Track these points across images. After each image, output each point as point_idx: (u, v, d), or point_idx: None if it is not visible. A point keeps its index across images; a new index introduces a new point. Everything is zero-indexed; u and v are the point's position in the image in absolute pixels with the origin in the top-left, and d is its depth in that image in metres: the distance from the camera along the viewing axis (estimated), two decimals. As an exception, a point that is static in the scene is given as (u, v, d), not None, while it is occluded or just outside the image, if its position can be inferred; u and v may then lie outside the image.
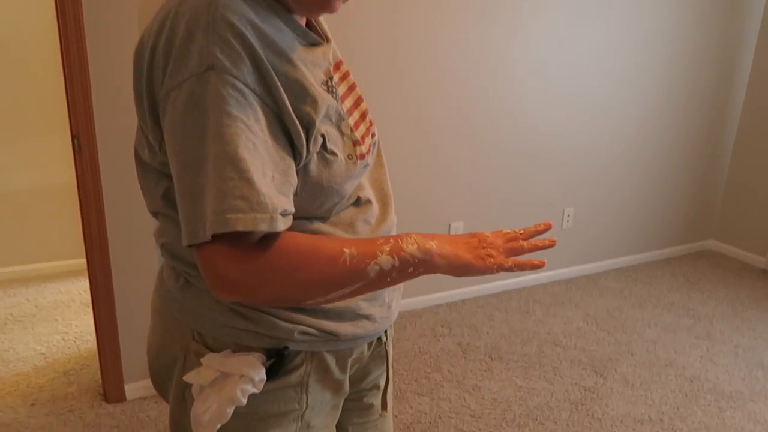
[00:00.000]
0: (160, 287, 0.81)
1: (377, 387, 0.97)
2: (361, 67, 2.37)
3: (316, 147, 0.70)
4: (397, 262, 0.69)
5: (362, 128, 0.82)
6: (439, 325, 2.65)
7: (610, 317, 2.78)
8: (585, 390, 2.20)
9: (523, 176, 2.88)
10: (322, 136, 0.71)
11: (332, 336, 0.78)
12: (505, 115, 2.73)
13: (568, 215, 3.07)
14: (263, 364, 0.72)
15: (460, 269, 0.73)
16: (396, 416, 2.00)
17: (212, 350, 0.75)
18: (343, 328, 0.78)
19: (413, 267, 0.70)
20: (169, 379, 0.80)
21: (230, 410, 0.69)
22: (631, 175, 3.21)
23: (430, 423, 1.97)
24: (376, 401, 0.98)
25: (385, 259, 0.68)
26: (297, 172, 0.70)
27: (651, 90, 3.10)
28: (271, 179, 0.63)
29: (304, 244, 0.66)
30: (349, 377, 0.89)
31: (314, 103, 0.68)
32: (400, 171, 2.57)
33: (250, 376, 0.70)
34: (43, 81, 2.82)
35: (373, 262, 0.67)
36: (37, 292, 2.83)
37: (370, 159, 0.83)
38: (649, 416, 2.06)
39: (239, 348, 0.74)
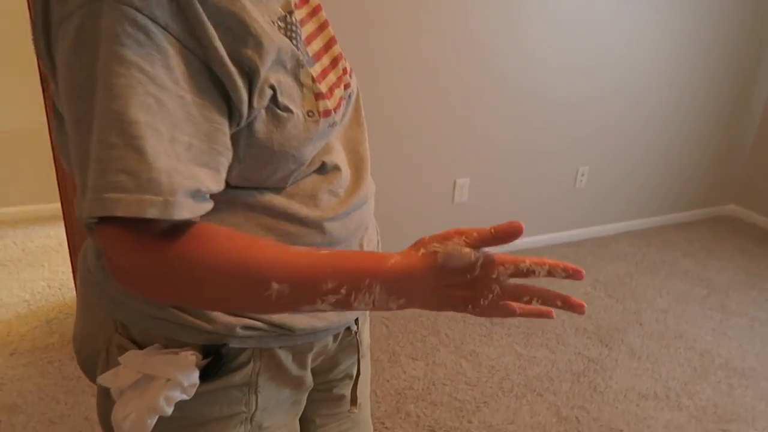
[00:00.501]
0: (82, 266, 0.68)
1: (350, 377, 0.85)
2: (357, 8, 2.16)
3: (262, 101, 0.55)
4: (341, 309, 0.54)
5: (332, 77, 0.66)
6: (440, 285, 2.53)
7: (620, 284, 2.64)
8: (588, 360, 2.09)
9: (535, 132, 2.69)
10: (272, 87, 0.56)
11: (285, 330, 0.65)
12: (516, 68, 2.52)
13: (582, 174, 2.89)
14: (197, 364, 0.60)
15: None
16: (388, 381, 1.91)
17: (138, 345, 0.62)
18: (300, 320, 0.65)
19: (373, 306, 0.55)
20: (96, 370, 0.68)
21: (152, 421, 0.57)
22: (650, 132, 3.01)
23: (423, 389, 1.88)
24: (348, 392, 0.86)
25: (323, 310, 0.54)
26: (239, 133, 0.56)
27: (674, 42, 2.85)
28: (186, 147, 0.49)
29: (224, 254, 0.51)
30: (314, 369, 0.77)
31: (258, 45, 0.53)
32: (402, 124, 2.40)
33: (178, 380, 0.57)
34: (9, 20, 2.63)
35: (307, 307, 0.53)
36: (26, 236, 2.74)
37: (341, 116, 0.67)
38: (654, 391, 1.95)
39: (170, 343, 0.61)
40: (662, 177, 3.16)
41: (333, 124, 0.64)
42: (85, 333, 0.67)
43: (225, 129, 0.53)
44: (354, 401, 0.83)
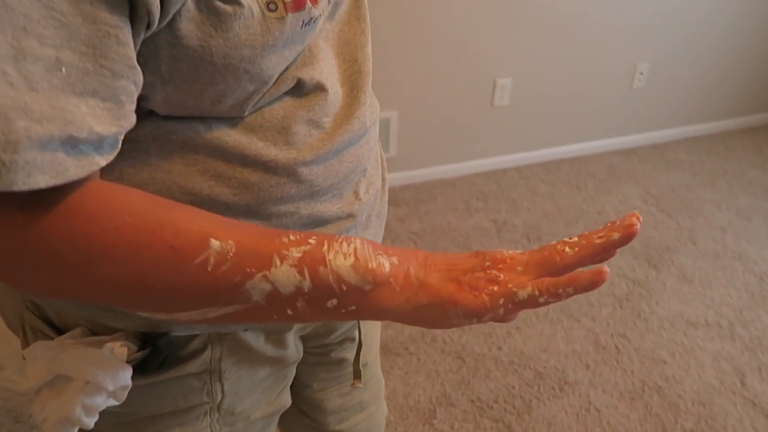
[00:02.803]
0: None
1: (351, 339, 0.71)
2: None
3: None
4: (307, 285, 0.38)
5: None
6: (474, 198, 2.35)
7: (675, 196, 2.40)
8: (633, 283, 1.92)
9: (586, 23, 2.35)
10: None
11: (249, 311, 0.49)
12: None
13: (641, 72, 2.56)
14: (129, 359, 0.45)
15: (431, 309, 0.41)
16: (413, 303, 1.80)
17: (56, 328, 0.48)
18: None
19: (337, 300, 0.39)
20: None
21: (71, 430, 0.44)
22: (719, 22, 2.60)
23: (451, 312, 1.77)
24: (350, 355, 0.72)
25: (284, 275, 0.38)
26: (156, 39, 0.37)
27: None
28: (49, 66, 0.32)
29: (123, 208, 0.35)
30: (304, 336, 0.63)
31: None
32: (428, 13, 2.10)
33: (100, 382, 0.43)
34: None
35: (259, 276, 0.37)
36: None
37: (324, 8, 0.46)
38: (705, 319, 1.79)
39: (96, 329, 0.47)
40: (728, 75, 2.79)
41: (311, 22, 0.44)
42: (1, 303, 0.54)
43: (124, 34, 0.34)
44: (358, 375, 0.69)
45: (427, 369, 1.58)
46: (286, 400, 0.66)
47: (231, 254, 0.38)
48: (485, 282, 0.41)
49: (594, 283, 0.39)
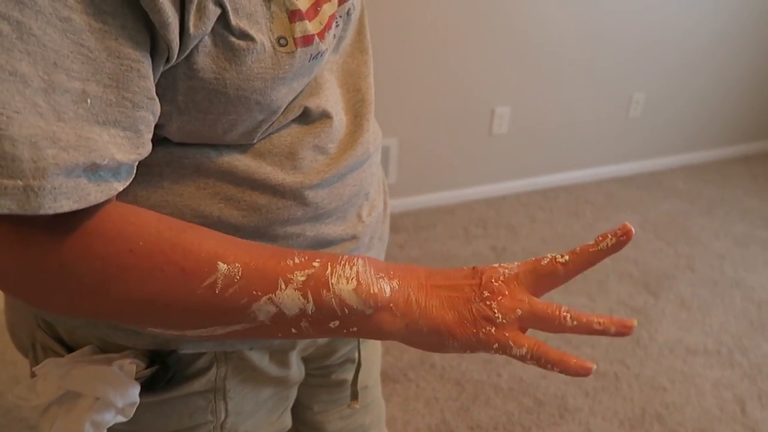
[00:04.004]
0: None
1: (351, 361, 0.72)
2: None
3: (203, 25, 0.38)
4: (311, 307, 0.40)
5: None
6: (473, 224, 2.37)
7: (672, 224, 2.42)
8: (632, 311, 1.93)
9: (584, 53, 2.40)
10: (219, 4, 0.38)
11: (254, 330, 0.51)
12: (573, -25, 2.21)
13: (637, 102, 2.61)
14: (137, 375, 0.47)
15: (429, 337, 0.43)
16: (413, 328, 1.80)
17: (67, 346, 0.49)
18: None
19: (339, 321, 0.41)
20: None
21: (79, 450, 0.45)
22: (714, 53, 2.66)
23: (451, 338, 1.77)
24: (351, 377, 0.73)
25: (288, 298, 0.40)
26: (174, 72, 0.39)
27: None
28: (76, 98, 0.33)
29: (139, 239, 0.37)
30: (305, 357, 0.64)
31: None
32: (429, 42, 2.15)
33: (110, 399, 0.45)
34: None
35: (265, 298, 0.39)
36: None
37: (330, 42, 0.49)
38: (704, 346, 1.79)
39: (105, 346, 0.48)
40: (724, 104, 2.84)
41: (318, 56, 0.46)
42: (12, 323, 0.55)
43: (145, 68, 0.36)
44: (355, 395, 0.70)
45: (426, 396, 1.57)
46: (287, 421, 0.66)
47: (238, 277, 0.39)
48: (483, 321, 0.43)
49: (580, 372, 0.43)
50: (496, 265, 0.46)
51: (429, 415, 1.51)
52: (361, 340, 0.68)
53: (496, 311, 0.43)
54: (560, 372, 0.42)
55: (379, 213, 0.60)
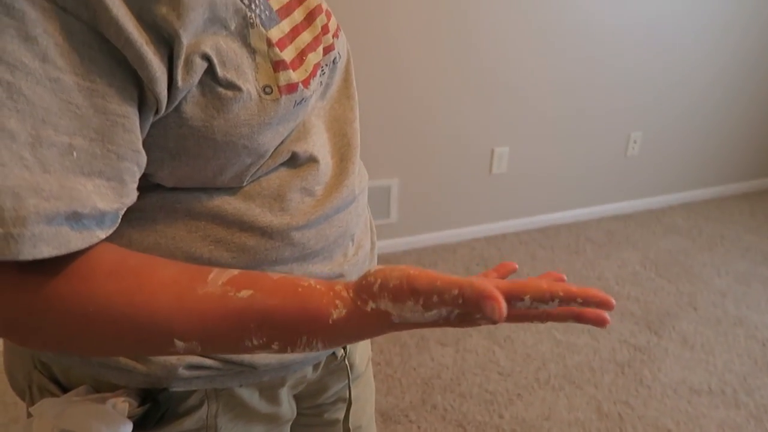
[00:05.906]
0: None
1: (343, 400, 0.72)
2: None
3: (191, 78, 0.41)
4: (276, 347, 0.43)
5: (305, 38, 0.50)
6: (475, 262, 2.38)
7: (673, 262, 2.42)
8: (635, 349, 1.91)
9: (582, 94, 2.45)
10: (205, 57, 0.41)
11: (245, 367, 0.52)
12: (562, 24, 2.28)
13: (635, 141, 2.65)
14: (130, 413, 0.48)
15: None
16: (414, 369, 1.80)
17: (62, 386, 0.51)
18: (261, 356, 0.52)
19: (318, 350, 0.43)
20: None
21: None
22: (711, 93, 2.71)
23: (452, 379, 1.76)
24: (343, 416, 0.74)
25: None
26: (165, 122, 0.42)
27: (754, -11, 2.53)
28: (62, 151, 0.36)
29: (104, 300, 0.39)
30: (297, 395, 0.65)
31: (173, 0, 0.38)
32: (429, 85, 2.21)
33: (102, 437, 0.46)
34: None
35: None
36: None
37: (315, 89, 0.52)
38: (708, 386, 1.77)
39: (99, 386, 0.50)
40: (723, 142, 2.87)
41: (303, 102, 0.49)
42: (9, 364, 0.57)
43: (131, 122, 0.39)
44: (346, 433, 0.70)
45: (427, 437, 1.55)
46: (280, 461, 0.67)
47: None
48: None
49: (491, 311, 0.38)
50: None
51: (430, 458, 1.49)
52: (352, 379, 0.69)
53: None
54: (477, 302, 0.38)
55: (365, 252, 0.62)
